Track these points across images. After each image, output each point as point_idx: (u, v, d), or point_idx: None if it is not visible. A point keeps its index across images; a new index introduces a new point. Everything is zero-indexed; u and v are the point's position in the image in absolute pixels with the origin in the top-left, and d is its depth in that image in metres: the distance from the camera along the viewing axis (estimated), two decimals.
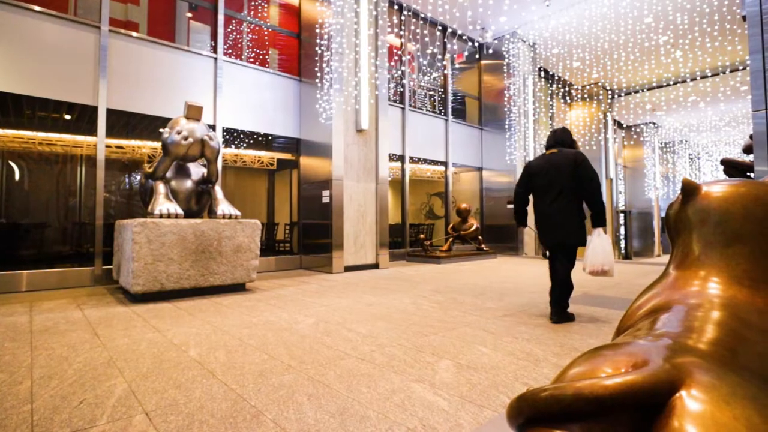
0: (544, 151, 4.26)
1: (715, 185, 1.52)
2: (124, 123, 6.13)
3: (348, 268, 6.93)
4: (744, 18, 3.12)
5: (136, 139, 6.55)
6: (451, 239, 8.99)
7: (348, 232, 7.00)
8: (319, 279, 6.02)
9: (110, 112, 5.67)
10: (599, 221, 3.28)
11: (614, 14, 9.48)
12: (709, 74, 12.45)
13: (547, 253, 3.52)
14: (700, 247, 1.45)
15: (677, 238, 1.57)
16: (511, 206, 10.58)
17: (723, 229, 1.40)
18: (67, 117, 5.81)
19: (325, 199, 6.93)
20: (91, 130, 5.60)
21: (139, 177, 6.45)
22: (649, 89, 14.03)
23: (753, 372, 0.97)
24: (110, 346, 2.68)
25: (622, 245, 15.36)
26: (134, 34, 5.98)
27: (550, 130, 3.91)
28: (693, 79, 12.79)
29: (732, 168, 4.41)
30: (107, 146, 5.74)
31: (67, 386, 2.00)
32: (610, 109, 14.54)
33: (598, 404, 0.81)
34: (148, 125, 6.33)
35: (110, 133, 5.78)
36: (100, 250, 5.48)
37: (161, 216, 4.32)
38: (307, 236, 7.51)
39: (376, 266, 7.38)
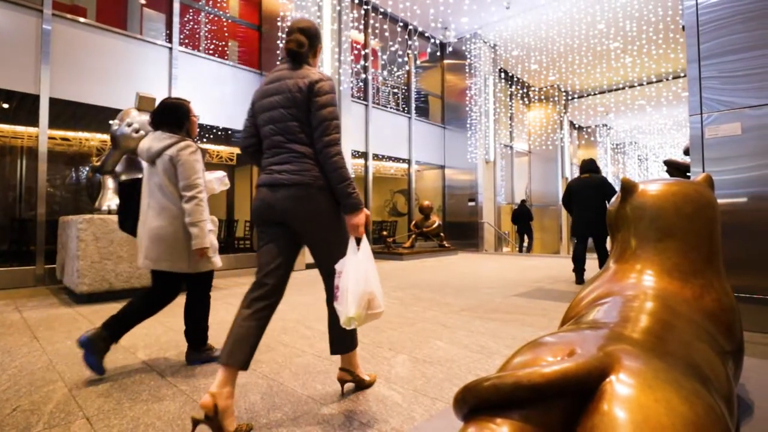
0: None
1: (651, 184, 1.62)
2: (70, 114, 5.78)
3: (310, 266, 6.86)
4: (683, 28, 3.32)
5: (83, 131, 6.19)
6: (413, 236, 9.08)
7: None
8: None
9: (54, 102, 5.32)
10: None
11: (569, 19, 9.87)
12: (654, 80, 13.21)
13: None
14: (636, 242, 1.54)
15: (617, 234, 1.66)
16: (472, 203, 10.88)
17: (656, 225, 1.50)
18: (5, 105, 5.41)
19: None
20: (33, 121, 5.24)
21: (86, 171, 6.11)
22: (600, 92, 14.72)
23: (678, 357, 1.04)
24: (50, 349, 2.53)
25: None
26: (81, 19, 5.64)
27: (583, 159, 5.45)
28: (640, 84, 13.53)
29: (674, 168, 4.70)
30: (51, 138, 5.39)
31: (0, 393, 1.87)
32: (565, 111, 15.14)
33: (535, 392, 0.85)
34: (96, 116, 6.00)
35: (54, 123, 5.43)
36: (42, 249, 5.14)
37: (109, 212, 4.12)
38: None
39: None
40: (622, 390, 0.82)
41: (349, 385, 1.90)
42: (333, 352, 1.84)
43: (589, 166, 5.21)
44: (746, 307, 2.69)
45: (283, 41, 1.82)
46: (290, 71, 1.72)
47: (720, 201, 2.83)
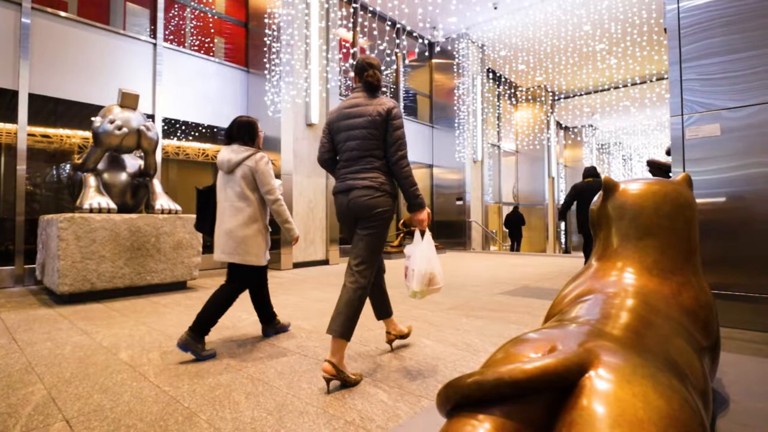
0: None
1: (632, 183, 1.64)
2: (50, 110, 5.65)
3: (297, 265, 6.83)
4: (666, 30, 3.38)
5: (64, 128, 6.05)
6: (401, 235, 9.09)
7: (298, 228, 6.88)
8: None
9: (33, 98, 5.20)
10: None
11: (556, 20, 9.97)
12: (639, 81, 13.43)
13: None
14: (617, 240, 1.56)
15: (599, 232, 1.69)
16: (460, 202, 10.94)
17: (637, 223, 1.52)
18: None
19: None
20: (11, 117, 5.11)
21: (67, 168, 5.98)
22: (586, 93, 14.90)
23: (656, 353, 1.06)
24: (29, 351, 2.47)
25: (563, 240, 16.24)
26: (62, 13, 5.52)
27: (586, 166, 6.01)
28: (625, 86, 13.74)
29: (656, 168, 4.79)
30: (30, 135, 5.27)
31: None
32: (552, 111, 15.29)
33: (516, 388, 0.85)
34: (78, 113, 5.87)
35: (34, 120, 5.31)
36: (21, 248, 5.03)
37: (91, 210, 4.04)
38: None
39: (326, 262, 7.33)
40: (601, 385, 0.83)
41: (334, 383, 1.90)
42: (328, 330, 1.99)
43: (592, 172, 5.82)
44: (723, 303, 2.75)
45: (361, 74, 2.28)
46: (368, 99, 2.20)
47: (700, 200, 2.89)
